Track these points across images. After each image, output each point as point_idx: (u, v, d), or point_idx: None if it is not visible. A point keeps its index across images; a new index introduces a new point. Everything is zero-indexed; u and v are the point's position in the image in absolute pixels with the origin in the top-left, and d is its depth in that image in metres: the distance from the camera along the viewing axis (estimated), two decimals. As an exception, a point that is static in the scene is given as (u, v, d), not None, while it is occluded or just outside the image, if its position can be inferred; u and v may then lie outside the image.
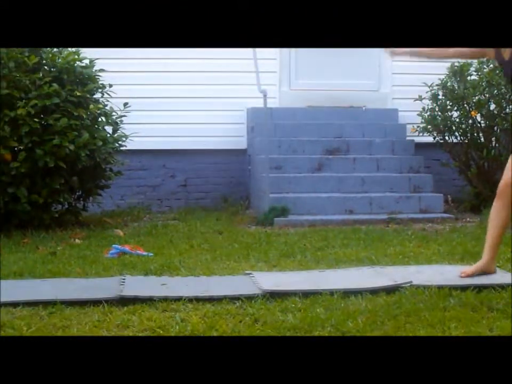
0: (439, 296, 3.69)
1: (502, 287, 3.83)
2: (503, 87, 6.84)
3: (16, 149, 5.84)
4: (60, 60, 6.08)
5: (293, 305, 3.56)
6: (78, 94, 5.98)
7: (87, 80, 6.15)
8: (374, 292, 3.78)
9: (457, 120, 7.21)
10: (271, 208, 6.49)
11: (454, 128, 7.22)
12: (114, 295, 3.68)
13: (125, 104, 6.36)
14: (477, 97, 7.01)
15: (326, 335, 3.15)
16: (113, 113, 6.41)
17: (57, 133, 5.81)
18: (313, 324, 3.26)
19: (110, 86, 6.38)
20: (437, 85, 7.25)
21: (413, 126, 7.43)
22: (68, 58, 6.06)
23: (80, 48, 6.06)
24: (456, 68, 7.12)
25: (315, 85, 7.88)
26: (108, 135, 6.30)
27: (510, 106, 6.98)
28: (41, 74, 5.97)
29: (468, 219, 6.69)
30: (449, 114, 7.23)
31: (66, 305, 3.55)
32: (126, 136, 6.45)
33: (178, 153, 7.76)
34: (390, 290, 3.82)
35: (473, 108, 7.03)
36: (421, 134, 7.36)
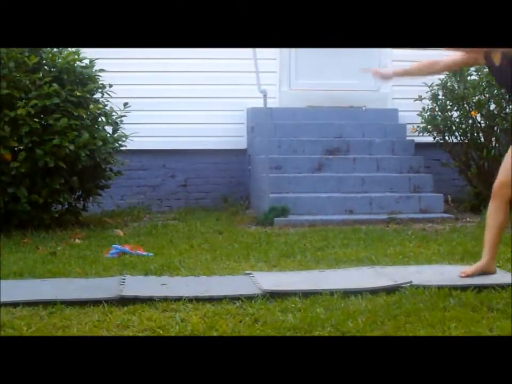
0: (439, 296, 3.69)
1: (502, 287, 3.83)
2: (503, 87, 6.85)
3: (16, 149, 5.84)
4: (59, 60, 6.08)
5: (293, 305, 3.56)
6: (78, 94, 5.98)
7: (87, 80, 6.15)
8: (374, 292, 3.78)
9: (457, 120, 7.20)
10: (271, 208, 6.49)
11: (454, 128, 7.22)
12: (114, 295, 3.68)
13: (125, 104, 6.36)
14: (477, 97, 7.01)
15: (326, 335, 3.15)
16: (113, 113, 6.40)
17: (57, 133, 5.81)
18: (313, 324, 3.26)
19: (110, 86, 6.38)
20: (437, 85, 7.24)
21: (413, 126, 7.42)
22: (67, 58, 6.06)
23: (80, 48, 6.06)
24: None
25: (315, 85, 7.88)
26: (108, 135, 6.30)
27: (510, 106, 6.98)
28: (41, 74, 5.97)
29: (468, 219, 6.69)
30: (449, 114, 7.23)
31: (66, 305, 3.55)
32: (126, 136, 6.45)
33: (178, 153, 7.76)
34: (390, 290, 3.82)
35: (473, 107, 7.03)
36: (421, 134, 7.36)
